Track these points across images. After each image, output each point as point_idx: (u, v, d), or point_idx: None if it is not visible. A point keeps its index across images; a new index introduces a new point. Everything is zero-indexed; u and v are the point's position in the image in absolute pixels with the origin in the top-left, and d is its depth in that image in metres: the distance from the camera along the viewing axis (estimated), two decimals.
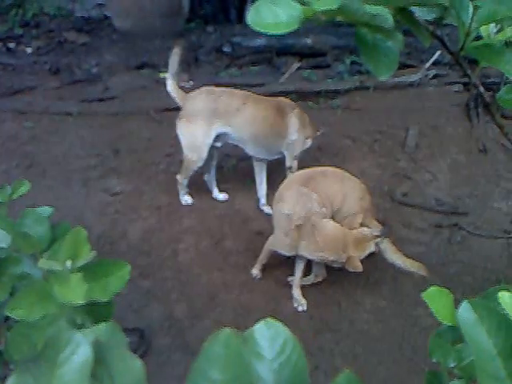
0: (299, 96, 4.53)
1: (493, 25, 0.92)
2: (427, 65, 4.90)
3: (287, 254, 2.66)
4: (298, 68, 5.38)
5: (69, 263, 1.28)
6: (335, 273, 2.89)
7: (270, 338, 0.61)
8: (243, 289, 2.81)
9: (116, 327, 0.72)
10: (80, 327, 1.44)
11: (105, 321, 1.56)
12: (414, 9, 0.82)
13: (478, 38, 0.92)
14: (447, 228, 3.28)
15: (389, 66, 0.79)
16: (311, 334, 2.58)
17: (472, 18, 0.84)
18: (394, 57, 0.80)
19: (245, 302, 2.72)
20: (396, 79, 4.93)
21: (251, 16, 0.78)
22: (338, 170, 2.84)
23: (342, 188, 2.70)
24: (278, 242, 2.67)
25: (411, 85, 4.91)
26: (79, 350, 0.64)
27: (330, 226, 2.53)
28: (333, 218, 2.64)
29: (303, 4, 0.76)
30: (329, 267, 2.81)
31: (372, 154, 4.03)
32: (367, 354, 2.48)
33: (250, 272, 2.89)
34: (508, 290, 0.80)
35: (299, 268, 2.73)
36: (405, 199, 3.52)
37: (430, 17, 0.84)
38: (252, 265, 2.91)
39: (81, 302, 1.18)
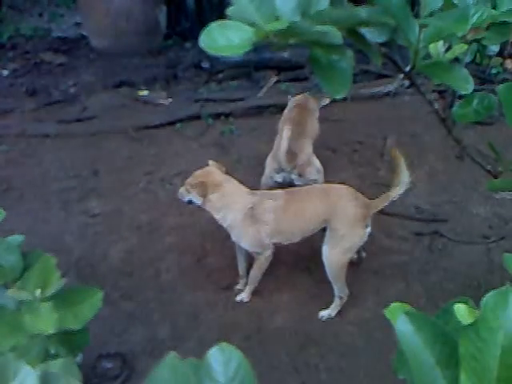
0: (278, 109, 4.55)
1: (441, 44, 0.94)
2: (402, 74, 4.98)
3: None
4: (277, 81, 5.43)
5: (38, 292, 1.26)
6: (318, 286, 2.89)
7: (223, 362, 0.62)
8: (227, 306, 2.79)
9: (71, 362, 0.71)
10: (54, 356, 1.41)
11: (80, 348, 1.53)
12: (365, 32, 0.83)
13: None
14: (428, 236, 3.30)
15: (343, 84, 0.79)
16: (296, 349, 2.56)
17: (419, 37, 0.85)
18: (348, 76, 0.81)
19: (229, 320, 2.70)
20: (372, 89, 5.01)
21: (203, 39, 0.78)
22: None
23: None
24: None
25: (387, 94, 4.98)
26: (26, 382, 0.62)
27: None
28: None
29: (254, 27, 0.77)
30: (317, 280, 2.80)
31: (351, 164, 4.06)
32: (353, 367, 2.46)
33: (233, 289, 2.87)
34: (465, 303, 0.80)
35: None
36: (385, 208, 3.53)
37: (381, 39, 0.85)
38: (235, 281, 2.90)
39: (51, 331, 1.16)
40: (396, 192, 2.66)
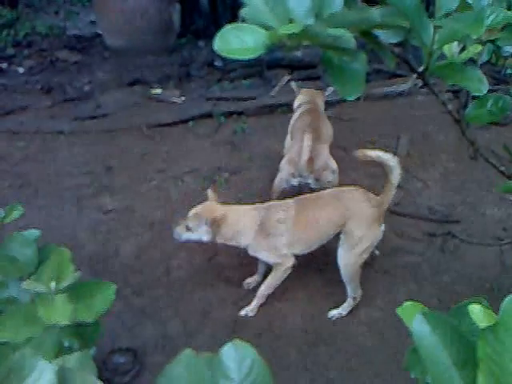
0: (290, 108, 4.56)
1: (455, 44, 0.93)
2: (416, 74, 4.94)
3: None
4: (289, 80, 5.42)
5: (53, 284, 1.28)
6: (329, 285, 2.89)
7: (237, 359, 0.62)
8: (237, 304, 2.80)
9: (87, 356, 0.72)
10: (68, 349, 1.44)
11: (93, 341, 1.56)
12: (379, 32, 0.83)
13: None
14: (440, 236, 3.28)
15: (355, 86, 0.80)
16: (306, 347, 2.56)
17: (433, 38, 0.85)
18: (361, 77, 0.81)
19: (239, 318, 2.71)
20: (386, 89, 4.98)
21: (218, 43, 0.79)
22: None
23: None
24: None
25: (401, 94, 4.95)
26: (43, 377, 0.64)
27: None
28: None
29: (268, 30, 0.77)
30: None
31: (364, 164, 4.04)
32: (363, 366, 2.46)
33: (243, 287, 2.88)
34: (479, 303, 0.80)
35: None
36: (397, 209, 3.52)
37: (395, 40, 0.85)
38: (246, 279, 2.91)
39: (66, 322, 1.18)
40: (393, 178, 2.56)
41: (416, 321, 0.73)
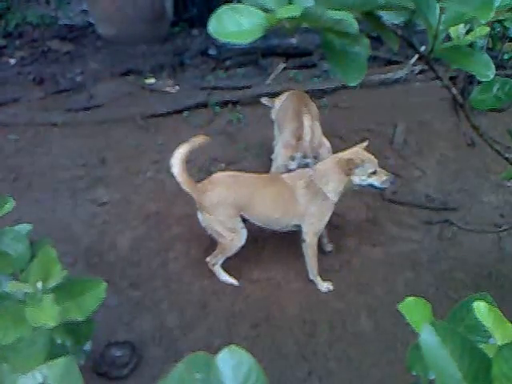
0: None
1: (462, 26, 0.89)
2: (413, 60, 4.90)
3: None
4: (284, 68, 5.36)
5: (40, 284, 1.24)
6: (327, 275, 2.87)
7: (233, 366, 0.59)
8: (234, 296, 2.78)
9: (72, 363, 0.69)
10: (60, 346, 1.41)
11: (86, 338, 1.53)
12: (382, 13, 0.79)
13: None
14: (438, 224, 3.26)
15: (357, 71, 0.76)
16: (304, 338, 2.55)
17: (439, 20, 0.81)
18: (363, 62, 0.77)
19: (236, 310, 2.69)
20: (382, 76, 4.93)
21: (213, 25, 0.74)
22: None
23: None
24: None
25: (397, 81, 4.90)
26: None
27: None
28: None
29: (266, 11, 0.73)
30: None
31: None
32: (361, 356, 2.46)
33: (240, 278, 2.86)
34: (484, 300, 0.77)
35: None
36: (394, 197, 3.50)
37: (398, 20, 0.81)
38: (242, 270, 2.89)
39: (53, 324, 1.15)
40: None
41: (424, 331, 0.69)
